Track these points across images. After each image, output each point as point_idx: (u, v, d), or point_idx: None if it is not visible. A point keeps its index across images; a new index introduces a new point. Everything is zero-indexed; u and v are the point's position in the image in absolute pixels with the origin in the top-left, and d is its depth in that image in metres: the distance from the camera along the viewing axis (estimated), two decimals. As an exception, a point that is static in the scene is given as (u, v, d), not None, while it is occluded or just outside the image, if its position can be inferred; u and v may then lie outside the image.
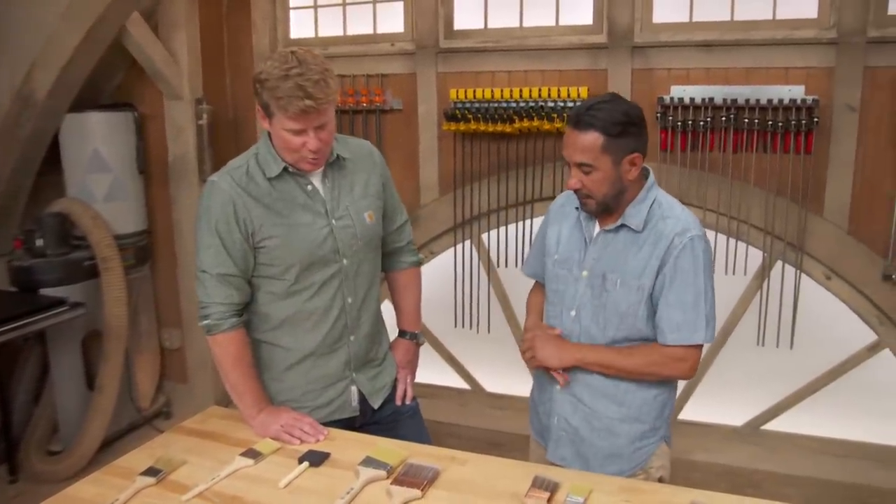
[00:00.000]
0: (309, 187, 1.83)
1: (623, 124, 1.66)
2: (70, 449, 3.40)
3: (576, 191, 1.73)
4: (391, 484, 1.57)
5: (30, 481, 3.32)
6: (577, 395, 1.82)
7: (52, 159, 3.65)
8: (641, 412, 1.80)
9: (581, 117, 1.67)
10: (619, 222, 1.75)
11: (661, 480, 1.83)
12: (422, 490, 1.55)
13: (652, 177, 1.79)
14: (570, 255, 1.82)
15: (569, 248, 1.83)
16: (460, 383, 3.97)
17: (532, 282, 2.07)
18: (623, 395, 1.78)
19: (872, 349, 3.15)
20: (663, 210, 1.74)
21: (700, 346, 1.75)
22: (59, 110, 3.52)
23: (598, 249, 1.78)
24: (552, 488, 1.55)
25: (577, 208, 1.82)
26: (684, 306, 1.70)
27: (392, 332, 2.14)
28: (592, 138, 1.66)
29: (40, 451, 3.49)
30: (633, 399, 1.79)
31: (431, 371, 3.90)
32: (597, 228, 1.79)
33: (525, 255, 3.56)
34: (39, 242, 3.41)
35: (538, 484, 1.56)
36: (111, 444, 3.55)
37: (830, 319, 3.19)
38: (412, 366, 2.13)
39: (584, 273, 1.78)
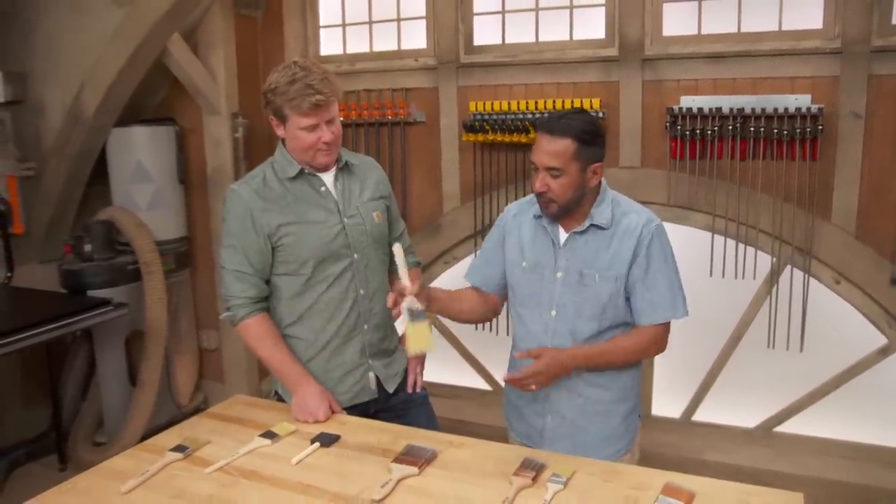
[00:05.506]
0: (322, 188, 2.02)
1: (593, 134, 1.80)
2: (113, 440, 3.64)
3: (540, 194, 1.85)
4: (392, 462, 1.73)
5: (77, 470, 3.53)
6: (574, 389, 1.94)
7: (99, 171, 3.92)
8: (628, 393, 1.97)
9: (555, 124, 1.80)
10: (587, 224, 1.88)
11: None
12: (419, 468, 1.70)
13: (604, 179, 1.92)
14: (539, 260, 1.94)
15: (537, 254, 1.95)
16: (482, 384, 4.10)
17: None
18: (611, 381, 1.94)
19: (883, 352, 3.18)
20: (623, 207, 1.91)
21: (669, 324, 1.91)
22: (106, 126, 3.78)
23: (569, 251, 1.90)
24: (538, 468, 1.68)
25: (535, 216, 1.95)
26: (661, 288, 1.86)
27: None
28: (566, 144, 1.79)
29: (87, 441, 3.74)
30: (618, 382, 1.95)
31: (454, 372, 4.05)
32: (562, 232, 1.92)
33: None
34: (87, 248, 3.66)
35: (526, 465, 1.70)
36: (152, 438, 3.76)
37: (840, 323, 3.23)
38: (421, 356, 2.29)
39: (559, 274, 1.91)
